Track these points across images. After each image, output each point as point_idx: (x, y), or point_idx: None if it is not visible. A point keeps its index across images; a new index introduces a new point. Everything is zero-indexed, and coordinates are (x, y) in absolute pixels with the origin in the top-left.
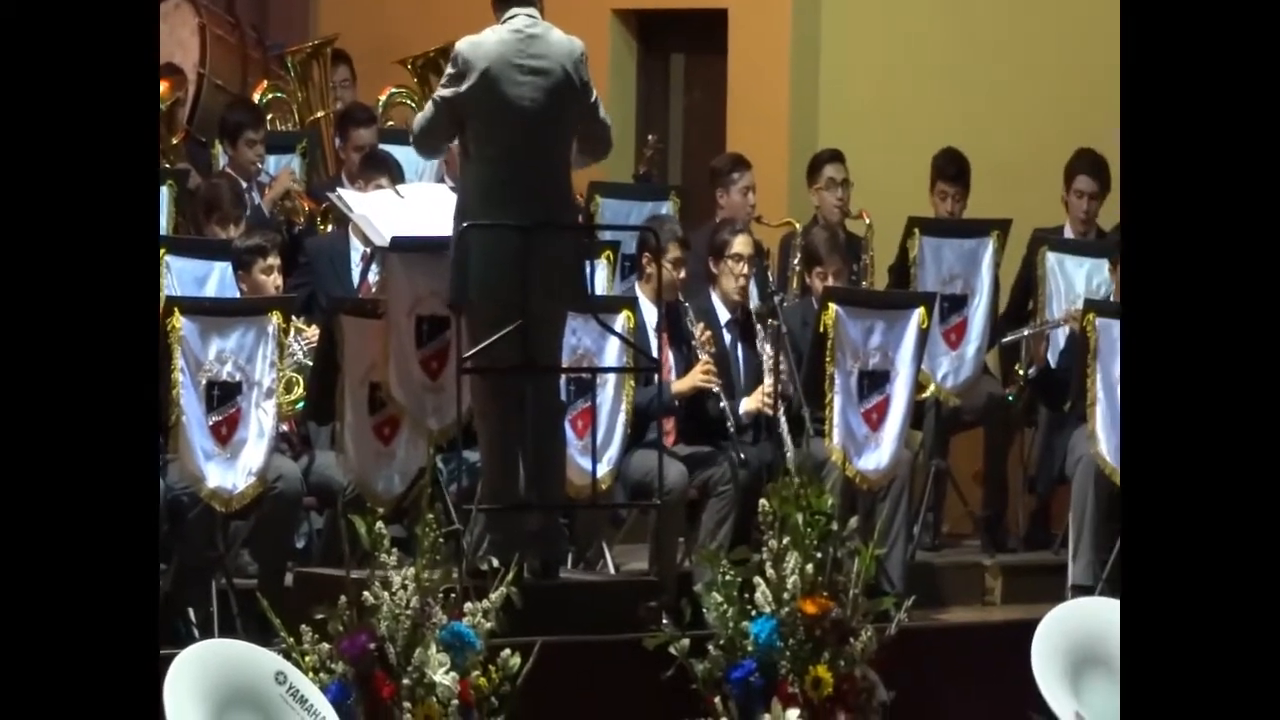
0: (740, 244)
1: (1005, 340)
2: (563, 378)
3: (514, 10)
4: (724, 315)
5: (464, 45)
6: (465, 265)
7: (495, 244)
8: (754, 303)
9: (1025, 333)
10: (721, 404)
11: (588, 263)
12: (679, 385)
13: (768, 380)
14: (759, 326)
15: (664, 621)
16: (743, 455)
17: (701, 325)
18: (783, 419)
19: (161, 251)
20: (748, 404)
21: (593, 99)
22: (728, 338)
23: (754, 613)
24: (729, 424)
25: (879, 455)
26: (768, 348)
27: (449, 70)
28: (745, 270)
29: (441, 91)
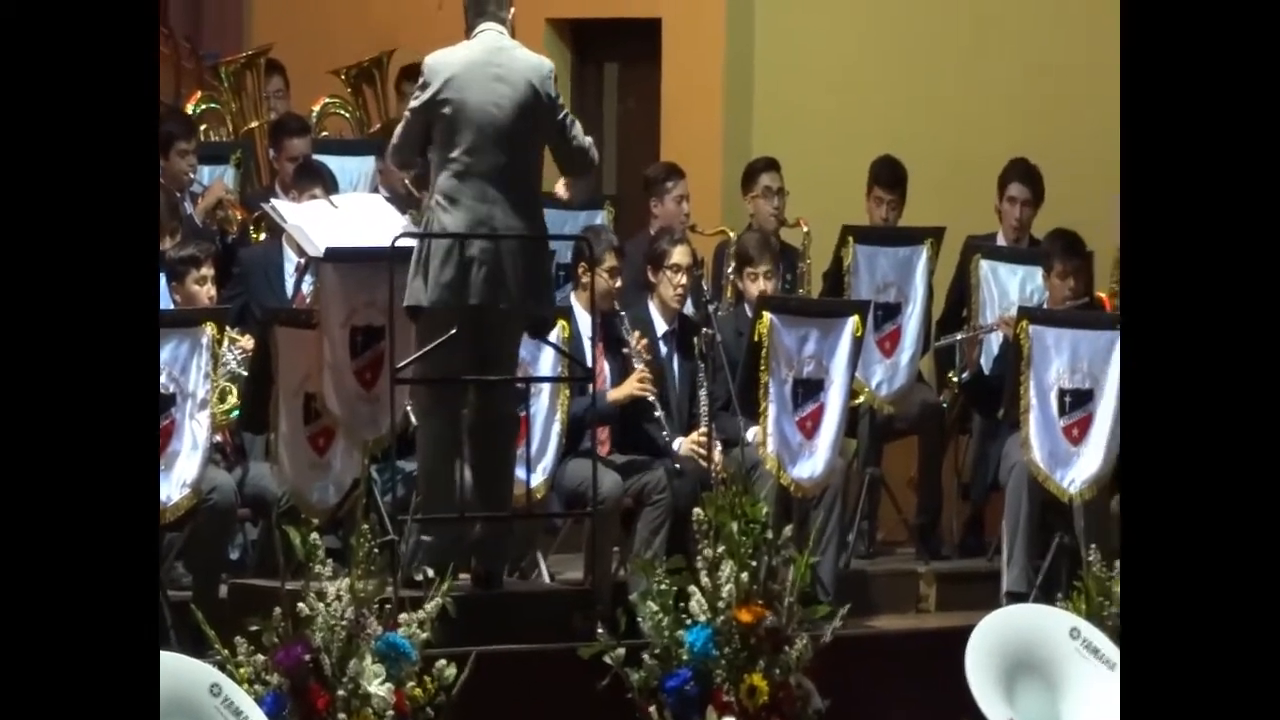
0: (679, 254)
1: (938, 344)
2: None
3: (484, 25)
4: (661, 325)
5: (431, 58)
6: (427, 271)
7: (450, 249)
8: (689, 310)
9: (958, 337)
10: (657, 412)
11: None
12: (615, 394)
13: (638, 366)
14: (695, 338)
15: (599, 631)
16: (678, 465)
17: (637, 334)
18: (660, 412)
19: None
20: (619, 391)
21: (561, 116)
22: (664, 348)
23: (689, 621)
24: (665, 434)
25: (813, 463)
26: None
27: (419, 82)
28: (684, 281)
29: (412, 103)
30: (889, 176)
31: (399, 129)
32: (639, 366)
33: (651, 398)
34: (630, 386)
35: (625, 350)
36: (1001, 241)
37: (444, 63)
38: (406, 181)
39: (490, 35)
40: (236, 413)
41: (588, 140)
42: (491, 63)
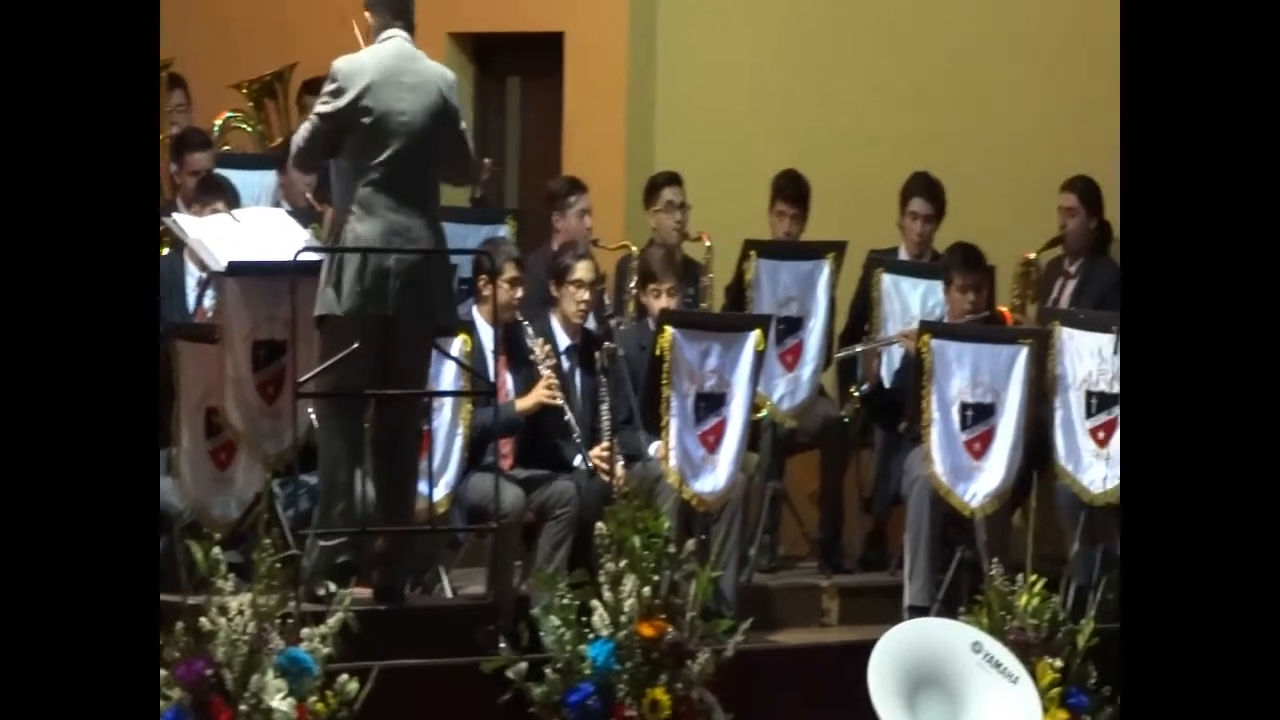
0: (582, 270)
1: (839, 355)
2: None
3: (390, 31)
4: (563, 340)
5: (342, 63)
6: (340, 280)
7: (364, 258)
8: (591, 325)
9: (858, 349)
10: (567, 416)
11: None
12: (523, 403)
13: (545, 372)
14: (597, 352)
15: (501, 645)
16: (599, 475)
17: (541, 340)
18: (570, 415)
19: None
20: (527, 400)
21: (462, 126)
22: (566, 363)
23: (591, 635)
24: (576, 437)
25: (715, 477)
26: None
27: (326, 88)
28: (586, 296)
29: (320, 108)
30: (791, 191)
31: (304, 133)
32: (545, 373)
33: (560, 402)
34: (539, 394)
35: (531, 358)
36: (903, 255)
37: (358, 69)
38: (308, 195)
39: (399, 42)
40: None
41: (473, 153)
42: (404, 70)
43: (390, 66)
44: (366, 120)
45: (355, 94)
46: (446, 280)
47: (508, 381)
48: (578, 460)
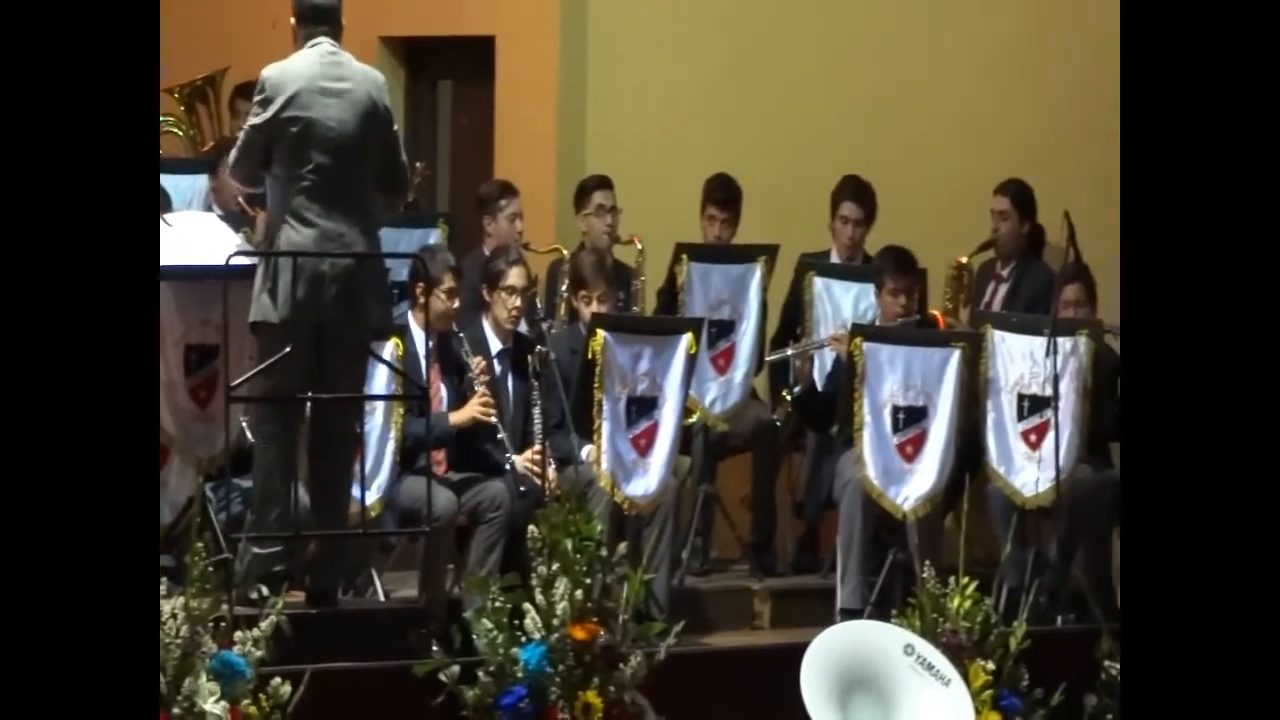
0: (515, 275)
1: (771, 359)
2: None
3: (318, 37)
4: (495, 344)
5: (270, 71)
6: (275, 286)
7: (299, 264)
8: (523, 328)
9: (790, 352)
10: (500, 435)
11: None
12: (457, 417)
13: (479, 388)
14: (529, 356)
15: (434, 648)
16: (522, 488)
17: (478, 359)
18: (503, 434)
19: None
20: (461, 414)
21: (394, 129)
22: (498, 367)
23: (523, 639)
24: (507, 454)
25: (647, 481)
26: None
27: (256, 97)
28: (518, 302)
29: (252, 120)
30: (722, 195)
31: (238, 145)
32: (480, 390)
33: (494, 420)
34: (473, 410)
35: (467, 374)
36: (835, 259)
37: (285, 78)
38: (240, 199)
39: (325, 47)
40: None
41: (405, 159)
42: (331, 76)
43: (317, 73)
44: (295, 129)
45: (282, 103)
46: (381, 285)
47: (441, 389)
48: (516, 462)
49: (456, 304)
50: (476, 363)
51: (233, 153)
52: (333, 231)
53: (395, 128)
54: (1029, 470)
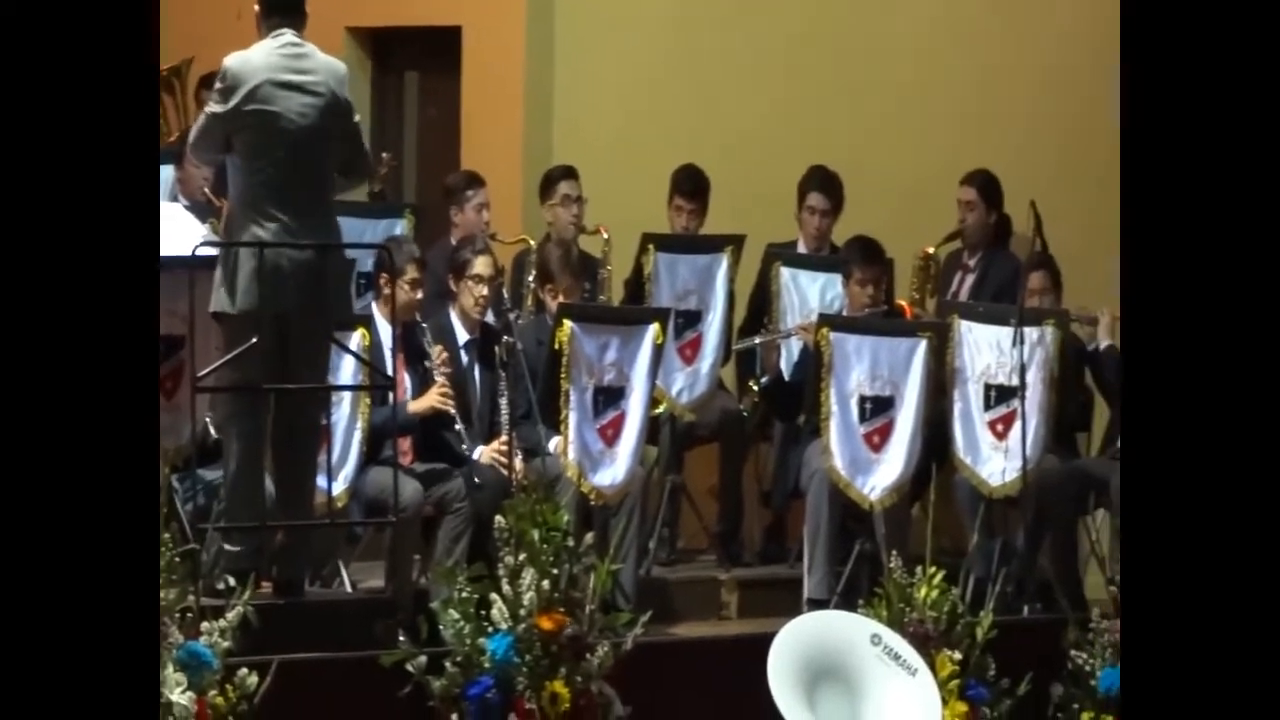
0: (481, 265)
1: (738, 347)
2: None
3: (281, 29)
4: (462, 335)
5: (232, 61)
6: (234, 278)
7: (259, 257)
8: (490, 319)
9: (757, 341)
10: (457, 425)
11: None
12: (416, 405)
13: (438, 377)
14: (496, 346)
15: (400, 639)
16: (477, 480)
17: (439, 348)
18: (461, 425)
19: None
20: (420, 403)
21: (355, 120)
22: (465, 357)
23: (490, 629)
24: (465, 446)
25: (614, 471)
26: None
27: (218, 85)
28: (485, 292)
29: (213, 107)
30: (689, 186)
31: (198, 127)
32: (439, 379)
33: (452, 410)
34: (431, 399)
35: (426, 363)
36: (802, 249)
37: (246, 70)
38: (206, 190)
39: (288, 38)
40: None
41: (366, 145)
42: (293, 69)
43: (279, 64)
44: (256, 122)
45: (243, 96)
46: (344, 276)
47: (405, 380)
48: (477, 454)
49: (420, 295)
50: (436, 351)
51: (192, 132)
52: (292, 225)
53: (356, 118)
54: (996, 460)
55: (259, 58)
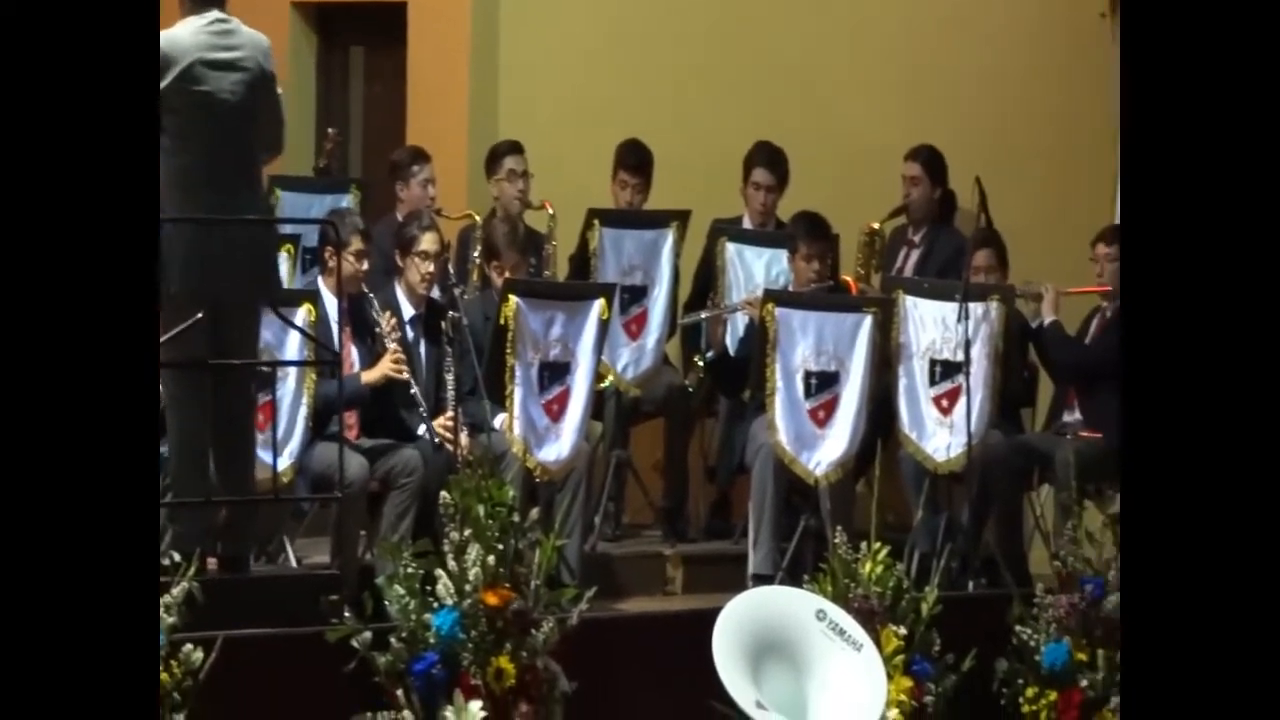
0: (428, 241)
1: (683, 322)
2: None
3: (207, 5)
4: (408, 310)
5: (163, 38)
6: (169, 259)
7: (193, 237)
8: (435, 294)
9: (703, 315)
10: (413, 389)
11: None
12: (369, 375)
13: (391, 345)
14: (442, 322)
15: (346, 614)
16: (436, 440)
17: (388, 314)
18: (416, 390)
19: None
20: (373, 373)
21: (278, 92)
22: (411, 333)
23: (436, 605)
24: (422, 410)
25: (559, 446)
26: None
27: None
28: (431, 268)
29: None
30: (633, 160)
31: None
32: (391, 347)
33: (406, 376)
34: (384, 367)
35: (377, 330)
36: (747, 224)
37: (176, 50)
38: None
39: (214, 14)
40: None
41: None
42: (222, 46)
43: (208, 43)
44: (188, 102)
45: (175, 76)
46: (271, 256)
47: (352, 353)
48: (422, 430)
49: (366, 265)
50: (386, 319)
51: None
52: (223, 204)
53: (279, 91)
54: (941, 435)
55: (188, 37)
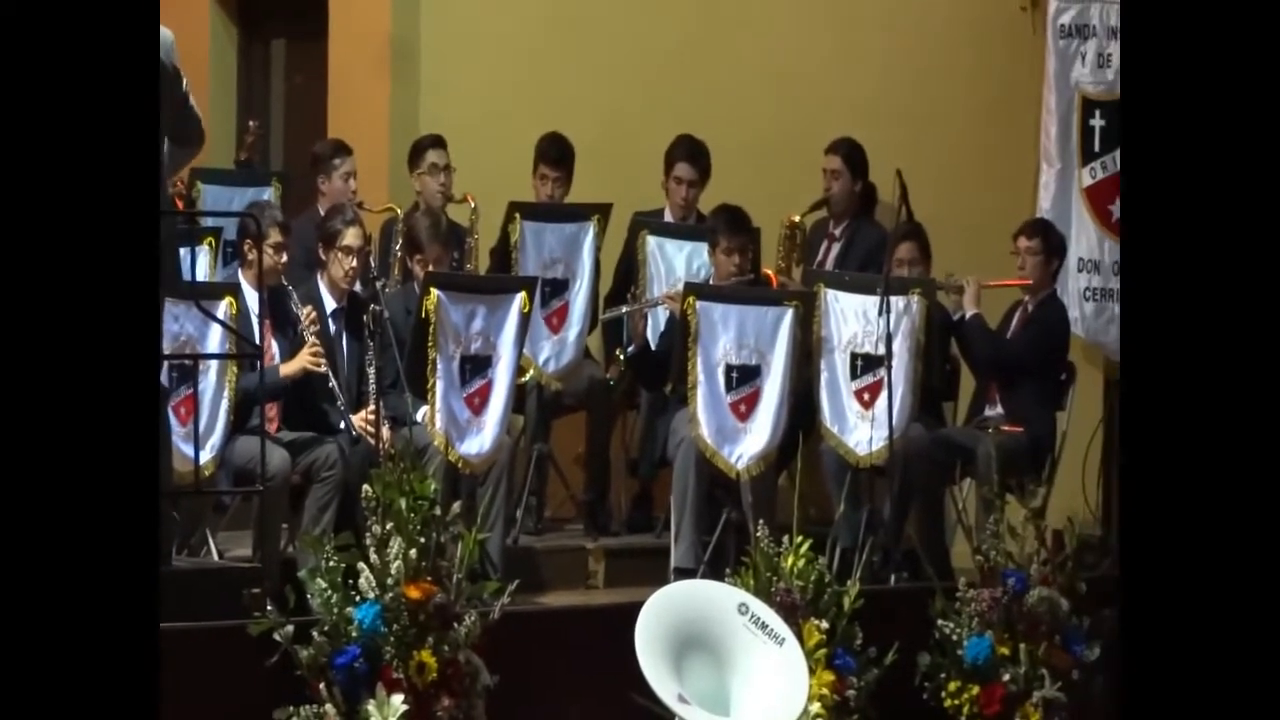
0: (351, 236)
1: (605, 316)
2: (165, 364)
3: None
4: (330, 303)
5: None
6: None
7: None
8: (358, 288)
9: (625, 310)
10: (331, 383)
11: (185, 249)
12: (287, 368)
13: (309, 338)
14: (364, 315)
15: (268, 608)
16: (355, 433)
17: (308, 309)
18: (334, 382)
19: None
20: (291, 365)
21: (185, 86)
22: (333, 327)
23: (358, 598)
24: (340, 404)
25: (481, 440)
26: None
27: None
28: (354, 263)
29: None
30: (554, 154)
31: None
32: (309, 340)
33: (324, 369)
34: (302, 360)
35: (297, 325)
36: (668, 218)
37: None
38: None
39: None
40: None
41: (199, 111)
42: None
43: None
44: None
45: None
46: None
47: (273, 346)
48: (342, 424)
49: (285, 258)
50: (306, 313)
51: None
52: None
53: (185, 84)
54: (862, 429)
55: None
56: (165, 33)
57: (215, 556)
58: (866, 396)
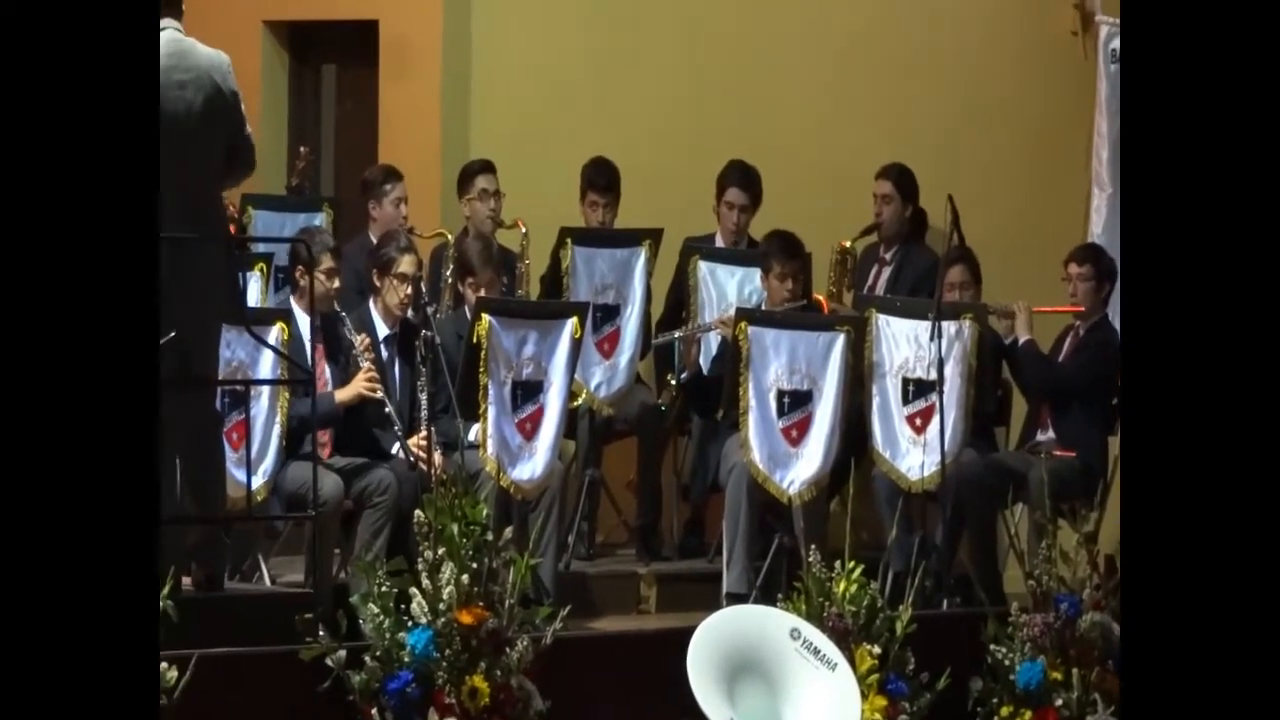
0: (406, 263)
1: (657, 342)
2: (218, 390)
3: (163, 23)
4: (383, 329)
5: None
6: None
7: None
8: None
9: (676, 335)
10: (387, 408)
11: (240, 275)
12: (342, 394)
13: (364, 364)
14: (415, 341)
15: (320, 633)
16: (412, 458)
17: (363, 336)
18: (390, 407)
19: None
20: (346, 391)
21: (240, 110)
22: (385, 353)
23: (410, 623)
24: (397, 429)
25: (533, 465)
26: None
27: None
28: (409, 290)
29: None
30: (601, 180)
31: None
32: (365, 365)
33: (380, 395)
34: (358, 386)
35: (352, 353)
36: (720, 243)
37: None
38: None
39: (170, 32)
40: None
41: (253, 137)
42: (177, 67)
43: (164, 64)
44: None
45: None
46: (225, 273)
47: (325, 372)
48: (396, 448)
49: (337, 284)
50: (361, 340)
51: None
52: (172, 222)
53: (242, 108)
54: (914, 454)
55: None
56: (222, 56)
57: (268, 582)
58: (918, 421)
